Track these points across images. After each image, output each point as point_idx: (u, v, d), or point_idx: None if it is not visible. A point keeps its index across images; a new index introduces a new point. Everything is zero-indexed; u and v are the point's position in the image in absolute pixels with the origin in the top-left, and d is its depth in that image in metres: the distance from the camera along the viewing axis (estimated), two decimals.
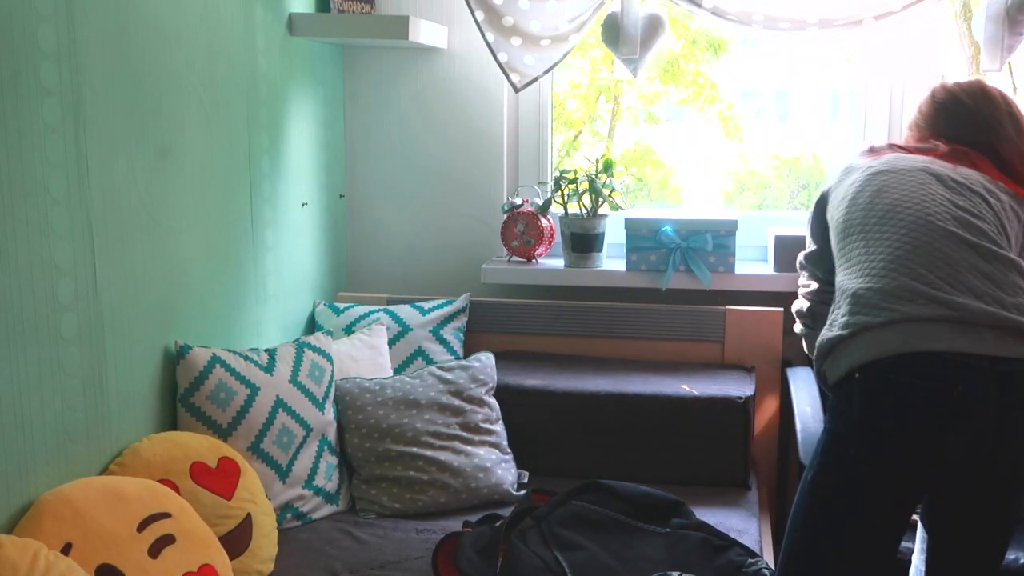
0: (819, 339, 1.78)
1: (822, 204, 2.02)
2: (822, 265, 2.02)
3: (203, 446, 2.01)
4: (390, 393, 2.40)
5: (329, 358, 2.38)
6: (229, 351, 2.19)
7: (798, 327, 2.13)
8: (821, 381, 1.85)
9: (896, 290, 1.69)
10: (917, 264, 1.70)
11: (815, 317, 2.03)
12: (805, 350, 2.12)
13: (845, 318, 1.73)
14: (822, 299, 2.02)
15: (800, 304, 2.12)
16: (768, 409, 2.65)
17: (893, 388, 1.65)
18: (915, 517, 1.83)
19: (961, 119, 1.95)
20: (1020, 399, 1.63)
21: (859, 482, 1.69)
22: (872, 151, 1.99)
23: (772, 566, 2.01)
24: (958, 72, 2.86)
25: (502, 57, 2.63)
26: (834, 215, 1.92)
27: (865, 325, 1.69)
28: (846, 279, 1.79)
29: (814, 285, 2.06)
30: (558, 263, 2.83)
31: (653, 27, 2.64)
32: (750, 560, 1.92)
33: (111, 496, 1.74)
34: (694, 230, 2.68)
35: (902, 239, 1.74)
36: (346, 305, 2.79)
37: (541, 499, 2.18)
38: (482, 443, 2.41)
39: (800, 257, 2.14)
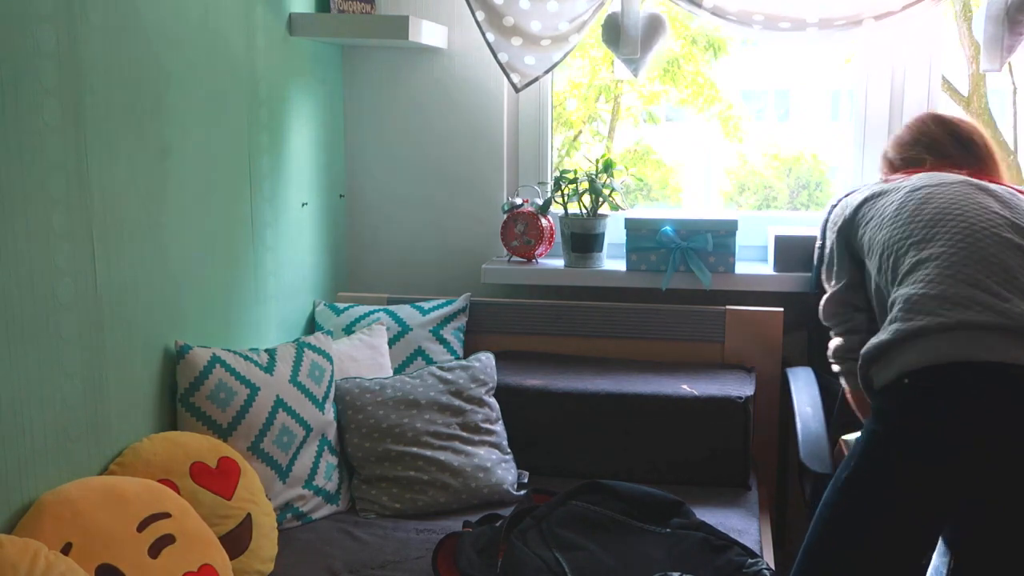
0: (867, 344, 1.75)
1: (847, 233, 2.01)
2: (860, 293, 2.01)
3: (203, 446, 2.01)
4: (390, 393, 2.40)
5: (329, 358, 2.38)
6: (229, 351, 2.19)
7: (842, 367, 2.11)
8: (866, 387, 1.80)
9: (953, 296, 1.66)
10: (973, 270, 1.67)
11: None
12: (852, 388, 2.08)
13: (896, 324, 1.70)
14: (869, 328, 1.97)
15: (843, 341, 2.09)
16: (768, 409, 2.65)
17: (941, 397, 1.62)
18: None
19: (966, 145, 2.06)
20: None
21: (895, 487, 1.65)
22: (894, 171, 2.02)
23: (772, 566, 2.01)
24: (958, 72, 2.86)
25: (503, 57, 2.63)
26: (875, 236, 1.90)
27: (918, 330, 1.66)
28: (901, 290, 1.77)
29: (855, 322, 2.05)
30: (558, 263, 2.83)
31: (653, 27, 2.64)
32: (750, 560, 1.92)
33: (111, 496, 1.74)
34: (694, 230, 2.68)
35: (956, 244, 1.71)
36: (346, 305, 2.79)
37: (541, 499, 2.18)
38: (482, 443, 2.41)
39: (825, 306, 2.12)
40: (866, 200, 2.02)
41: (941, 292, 1.67)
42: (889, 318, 1.74)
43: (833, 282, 2.09)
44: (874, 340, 1.74)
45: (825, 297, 2.10)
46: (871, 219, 1.93)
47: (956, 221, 1.74)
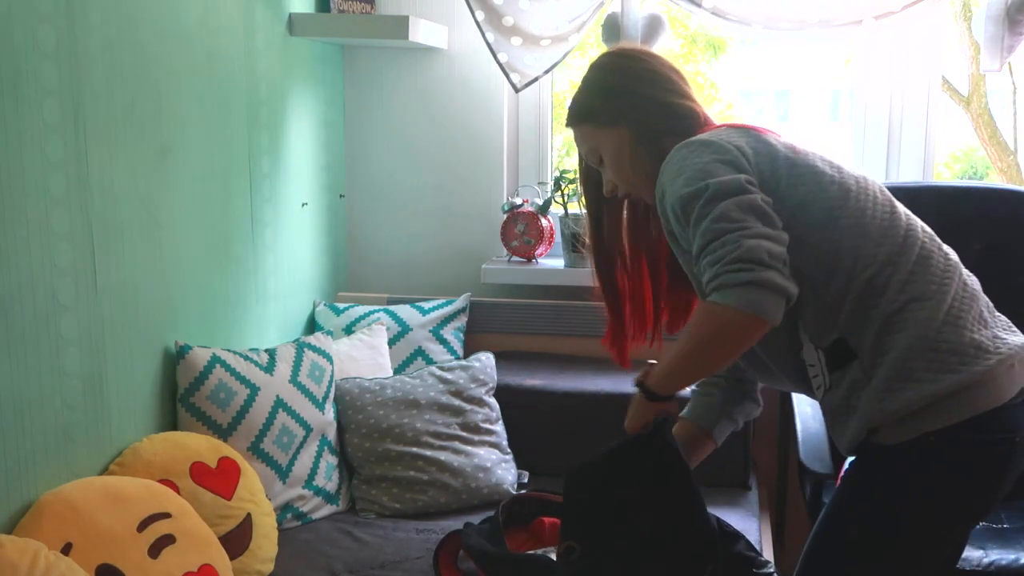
0: None
1: None
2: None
3: (203, 446, 2.01)
4: (390, 393, 2.40)
5: (329, 358, 2.38)
6: (229, 351, 2.19)
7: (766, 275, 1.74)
8: None
9: None
10: None
11: None
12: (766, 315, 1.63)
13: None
14: None
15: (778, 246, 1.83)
16: (768, 409, 2.64)
17: None
18: None
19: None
20: None
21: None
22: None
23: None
24: (958, 72, 2.86)
25: (502, 57, 2.63)
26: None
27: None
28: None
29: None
30: (558, 263, 2.83)
31: (653, 27, 2.64)
32: (760, 559, 1.91)
33: (111, 496, 1.74)
34: None
35: None
36: (346, 305, 2.79)
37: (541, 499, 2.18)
38: (482, 443, 2.41)
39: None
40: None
41: None
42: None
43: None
44: None
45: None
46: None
47: None
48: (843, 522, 1.54)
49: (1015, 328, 1.55)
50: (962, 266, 1.57)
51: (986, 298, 1.56)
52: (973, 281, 1.57)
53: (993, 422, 1.43)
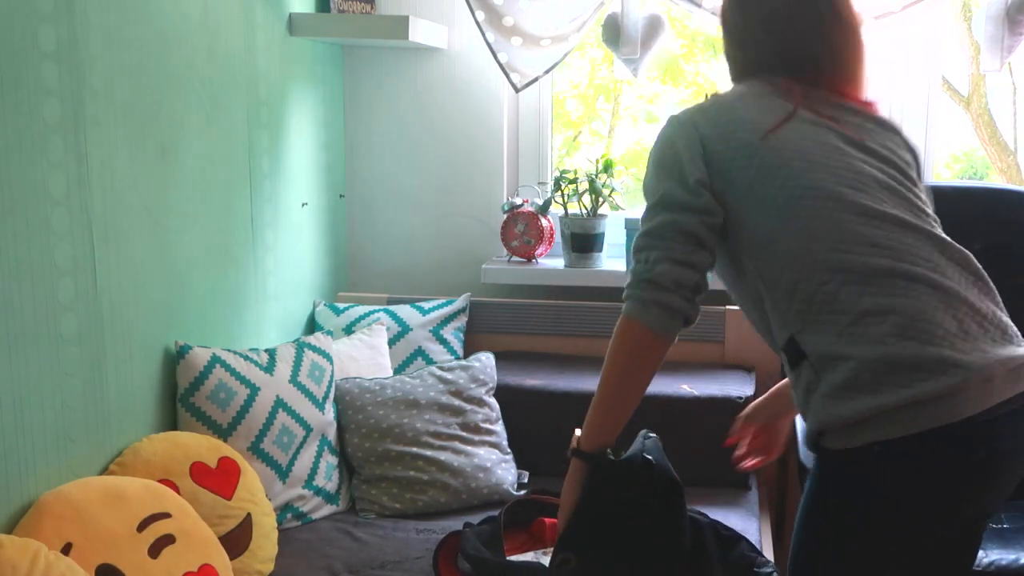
0: None
1: None
2: None
3: (203, 446, 2.01)
4: (390, 393, 2.40)
5: (329, 358, 2.38)
6: (229, 351, 2.19)
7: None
8: None
9: None
10: None
11: None
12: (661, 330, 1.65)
13: None
14: None
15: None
16: None
17: None
18: None
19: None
20: None
21: None
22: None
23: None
24: (958, 72, 2.86)
25: (502, 57, 2.63)
26: None
27: None
28: None
29: None
30: (558, 263, 2.83)
31: (653, 27, 2.65)
32: (760, 559, 1.92)
33: (111, 496, 1.74)
34: None
35: None
36: (346, 305, 2.79)
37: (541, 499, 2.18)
38: (482, 443, 2.41)
39: None
40: None
41: None
42: None
43: None
44: None
45: None
46: None
47: None
48: (800, 522, 1.54)
49: (1015, 336, 1.47)
50: (956, 270, 1.47)
51: (985, 304, 1.46)
52: (965, 289, 1.45)
53: (946, 438, 1.38)
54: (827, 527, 1.49)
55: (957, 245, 1.50)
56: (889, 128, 1.60)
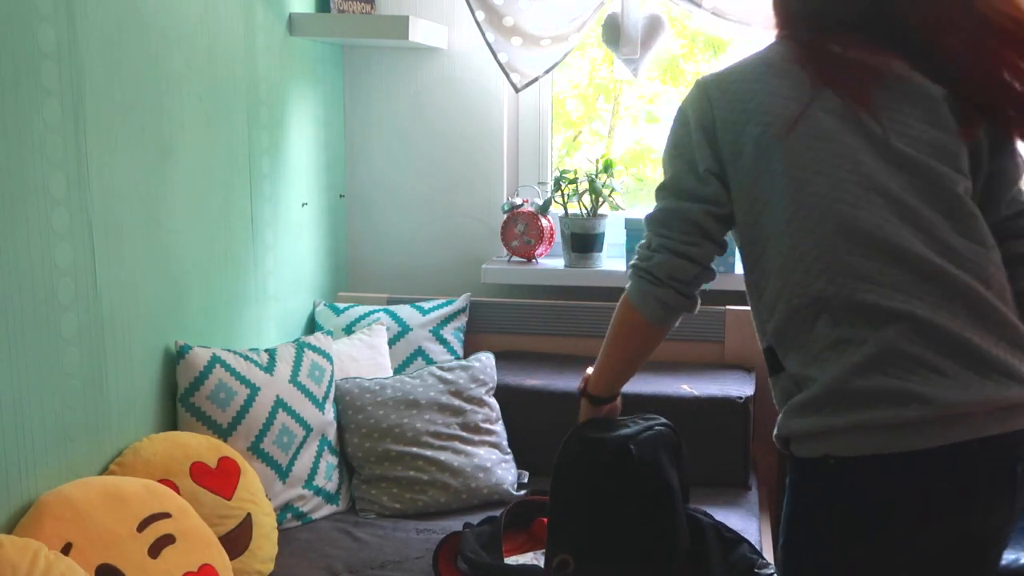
0: None
1: None
2: None
3: (203, 446, 2.01)
4: (390, 393, 2.40)
5: (329, 358, 2.38)
6: (229, 351, 2.19)
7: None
8: None
9: None
10: None
11: None
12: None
13: None
14: None
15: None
16: (768, 409, 2.64)
17: None
18: None
19: None
20: None
21: None
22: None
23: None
24: None
25: (502, 57, 2.63)
26: None
27: None
28: None
29: None
30: (558, 263, 2.83)
31: (653, 27, 2.65)
32: (761, 560, 1.92)
33: (111, 496, 1.74)
34: None
35: None
36: (346, 305, 2.79)
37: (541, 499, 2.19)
38: (482, 443, 2.41)
39: None
40: None
41: None
42: None
43: None
44: None
45: None
46: None
47: None
48: (781, 523, 1.52)
49: (1017, 375, 1.37)
50: (956, 306, 1.37)
51: (986, 343, 1.36)
52: (960, 327, 1.35)
53: (905, 465, 1.35)
54: (795, 531, 1.48)
55: (969, 278, 1.37)
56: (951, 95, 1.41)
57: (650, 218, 1.55)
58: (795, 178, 1.40)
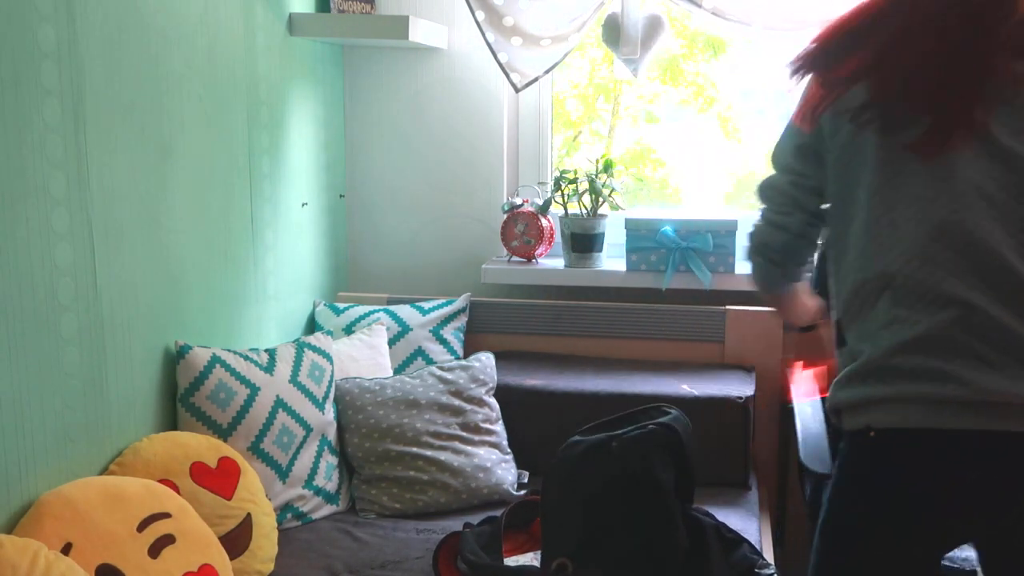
0: None
1: None
2: None
3: (203, 446, 2.01)
4: (390, 393, 2.40)
5: (329, 358, 2.38)
6: (229, 351, 2.19)
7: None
8: None
9: None
10: None
11: None
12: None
13: None
14: None
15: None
16: (768, 409, 2.65)
17: None
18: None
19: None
20: None
21: None
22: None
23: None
24: None
25: (502, 57, 2.63)
26: None
27: None
28: None
29: None
30: (558, 263, 2.83)
31: (653, 27, 2.64)
32: (761, 561, 1.92)
33: (111, 496, 1.74)
34: (694, 230, 2.68)
35: None
36: (346, 305, 2.79)
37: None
38: (482, 443, 2.41)
39: None
40: None
41: None
42: None
43: None
44: None
45: None
46: None
47: None
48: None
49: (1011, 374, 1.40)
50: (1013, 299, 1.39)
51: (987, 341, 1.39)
52: (1013, 320, 1.39)
53: (937, 443, 1.40)
54: (832, 502, 1.53)
55: None
56: None
57: (759, 184, 1.69)
58: (872, 173, 1.46)
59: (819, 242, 1.70)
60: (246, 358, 2.20)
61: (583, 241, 2.75)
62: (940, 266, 1.40)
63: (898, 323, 1.42)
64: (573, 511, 1.79)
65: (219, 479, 1.98)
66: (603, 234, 2.77)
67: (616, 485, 1.77)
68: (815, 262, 1.83)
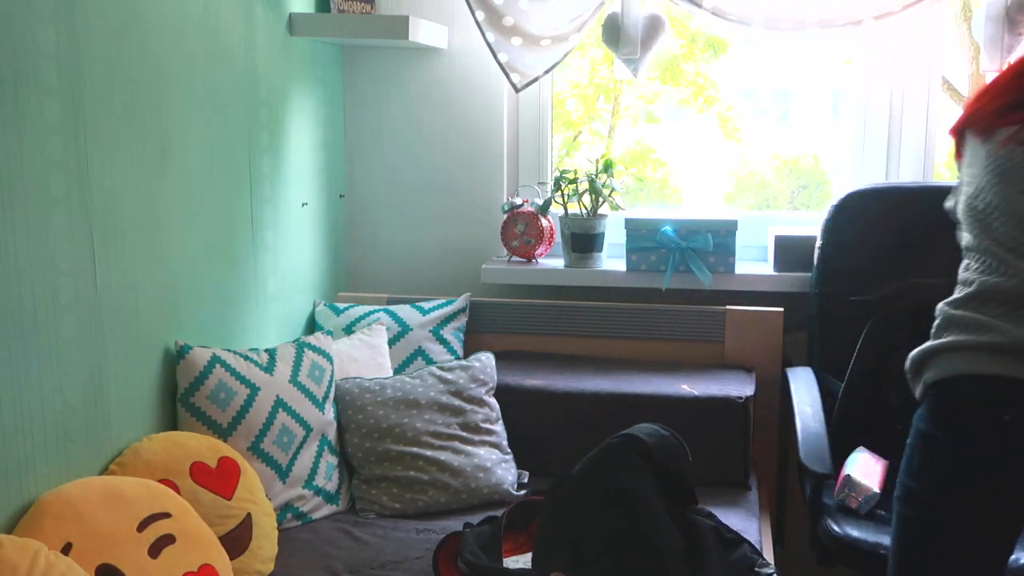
0: None
1: None
2: None
3: (203, 446, 2.01)
4: (390, 393, 2.40)
5: (329, 358, 2.38)
6: (229, 351, 2.19)
7: None
8: None
9: None
10: None
11: None
12: None
13: None
14: None
15: None
16: (768, 409, 2.65)
17: None
18: None
19: None
20: None
21: None
22: None
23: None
24: (958, 72, 2.86)
25: (502, 57, 2.63)
26: None
27: None
28: None
29: None
30: (558, 263, 2.83)
31: (653, 27, 2.64)
32: (761, 560, 1.92)
33: (111, 496, 1.74)
34: (694, 230, 2.68)
35: None
36: (346, 305, 2.79)
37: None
38: (482, 443, 2.41)
39: None
40: None
41: None
42: None
43: None
44: None
45: None
46: None
47: None
48: None
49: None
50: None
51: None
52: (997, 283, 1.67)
53: (979, 388, 1.62)
54: (911, 449, 1.73)
55: None
56: None
57: None
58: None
59: None
60: (246, 358, 2.20)
61: (583, 241, 2.75)
62: (1008, 236, 1.67)
63: (962, 284, 1.72)
64: (555, 525, 1.86)
65: (219, 479, 1.98)
66: (603, 234, 2.77)
67: (582, 495, 1.89)
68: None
